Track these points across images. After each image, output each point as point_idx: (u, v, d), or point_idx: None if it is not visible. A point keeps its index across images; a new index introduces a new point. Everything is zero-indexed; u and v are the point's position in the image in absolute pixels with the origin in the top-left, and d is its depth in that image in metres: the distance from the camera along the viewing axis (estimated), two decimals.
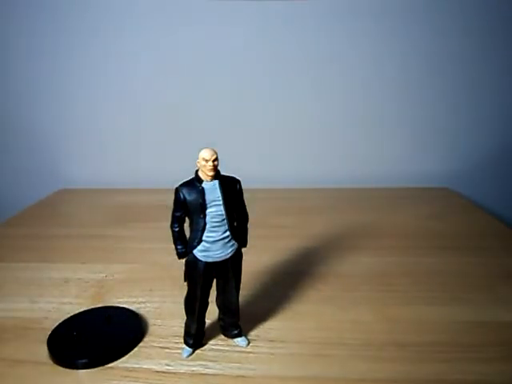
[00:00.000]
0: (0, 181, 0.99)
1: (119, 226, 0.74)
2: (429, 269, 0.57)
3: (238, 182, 0.38)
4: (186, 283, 0.39)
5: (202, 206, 0.36)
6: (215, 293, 0.41)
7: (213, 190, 0.37)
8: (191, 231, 0.38)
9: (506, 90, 0.86)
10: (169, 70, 0.87)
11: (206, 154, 0.36)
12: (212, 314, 0.42)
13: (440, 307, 0.48)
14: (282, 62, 0.86)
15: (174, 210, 0.38)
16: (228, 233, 0.38)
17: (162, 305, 0.50)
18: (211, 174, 0.36)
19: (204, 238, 0.37)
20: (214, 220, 0.37)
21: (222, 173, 0.37)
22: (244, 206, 0.39)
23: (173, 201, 0.37)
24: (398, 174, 0.92)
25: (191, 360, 0.41)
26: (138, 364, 0.40)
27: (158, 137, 0.92)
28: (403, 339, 0.43)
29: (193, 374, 0.39)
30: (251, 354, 0.41)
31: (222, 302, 0.41)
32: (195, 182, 0.37)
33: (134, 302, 0.50)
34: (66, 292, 0.53)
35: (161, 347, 0.42)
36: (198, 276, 0.38)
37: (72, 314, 0.47)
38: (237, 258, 0.39)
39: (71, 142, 0.94)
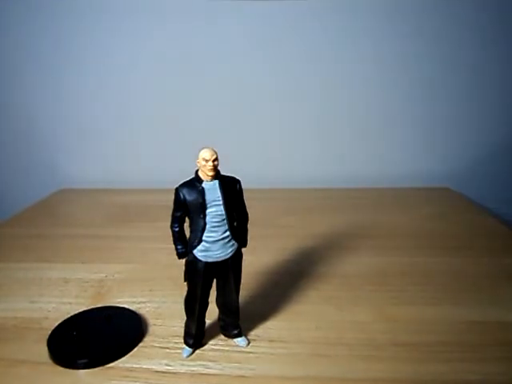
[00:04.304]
0: (0, 181, 0.99)
1: (119, 225, 0.74)
2: (429, 269, 0.57)
3: (238, 181, 0.38)
4: (185, 283, 0.39)
5: (202, 206, 0.36)
6: (215, 293, 0.41)
7: (213, 190, 0.36)
8: (191, 231, 0.38)
9: (508, 89, 0.86)
10: (168, 70, 0.87)
11: (206, 153, 0.36)
12: (212, 314, 0.42)
13: (440, 307, 0.48)
14: (282, 62, 0.86)
15: (174, 210, 0.38)
16: (228, 233, 0.38)
17: (162, 305, 0.50)
18: (211, 174, 0.36)
19: (204, 237, 0.37)
20: (214, 220, 0.37)
21: (222, 173, 0.37)
22: (244, 206, 0.39)
23: (173, 201, 0.37)
24: (399, 174, 0.92)
25: (191, 360, 0.41)
26: (138, 364, 0.40)
27: (157, 137, 0.92)
28: (403, 339, 0.43)
29: (193, 374, 0.39)
30: (251, 354, 0.41)
31: (222, 302, 0.41)
32: (195, 182, 0.37)
33: (134, 302, 0.50)
34: (66, 292, 0.53)
35: (161, 347, 0.42)
36: (198, 276, 0.38)
37: (72, 314, 0.47)
38: (237, 258, 0.39)
39: (71, 142, 0.94)
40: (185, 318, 0.41)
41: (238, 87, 0.88)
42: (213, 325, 0.44)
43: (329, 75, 0.86)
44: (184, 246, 0.38)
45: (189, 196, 0.36)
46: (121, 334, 0.43)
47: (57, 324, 0.45)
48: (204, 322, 0.42)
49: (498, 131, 0.89)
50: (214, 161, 0.36)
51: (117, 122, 0.92)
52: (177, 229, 0.38)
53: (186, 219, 0.38)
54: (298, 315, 0.47)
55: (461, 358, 0.40)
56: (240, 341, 0.43)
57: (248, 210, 0.40)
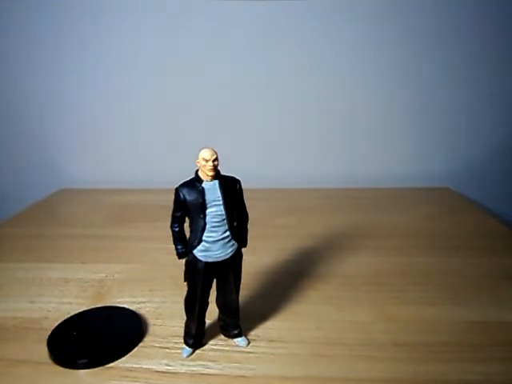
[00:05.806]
0: (0, 181, 0.99)
1: (119, 225, 0.74)
2: (429, 269, 0.57)
3: (238, 181, 0.38)
4: (185, 283, 0.39)
5: (202, 206, 0.36)
6: (215, 293, 0.41)
7: (213, 190, 0.36)
8: (191, 231, 0.38)
9: (508, 89, 0.86)
10: (168, 70, 0.87)
11: (206, 153, 0.36)
12: (212, 314, 0.42)
13: (440, 307, 0.48)
14: (282, 62, 0.86)
15: (174, 210, 0.38)
16: (228, 233, 0.38)
17: (162, 305, 0.50)
18: (211, 174, 0.36)
19: (204, 237, 0.37)
20: (214, 220, 0.37)
21: (222, 173, 0.37)
22: (244, 206, 0.39)
23: (173, 201, 0.37)
24: (399, 174, 0.92)
25: (191, 360, 0.41)
26: (138, 364, 0.40)
27: (158, 137, 0.92)
28: (403, 339, 0.43)
29: (193, 374, 0.39)
30: (251, 354, 0.41)
31: (222, 302, 0.41)
32: (195, 182, 0.37)
33: (134, 302, 0.50)
34: (66, 292, 0.53)
35: (161, 347, 0.42)
36: (198, 276, 0.38)
37: (72, 314, 0.47)
38: (237, 258, 0.39)
39: (71, 142, 0.94)
40: (185, 318, 0.41)
41: (238, 87, 0.88)
42: (213, 325, 0.44)
43: (329, 75, 0.86)
44: (184, 245, 0.38)
45: (189, 196, 0.36)
46: (121, 333, 0.43)
47: (57, 324, 0.45)
48: (204, 322, 0.42)
49: (498, 131, 0.89)
50: (214, 161, 0.36)
51: (117, 122, 0.92)
52: (177, 229, 0.38)
53: (186, 219, 0.38)
54: (298, 315, 0.47)
55: (461, 357, 0.40)
56: (240, 341, 0.43)
57: (248, 210, 0.40)
